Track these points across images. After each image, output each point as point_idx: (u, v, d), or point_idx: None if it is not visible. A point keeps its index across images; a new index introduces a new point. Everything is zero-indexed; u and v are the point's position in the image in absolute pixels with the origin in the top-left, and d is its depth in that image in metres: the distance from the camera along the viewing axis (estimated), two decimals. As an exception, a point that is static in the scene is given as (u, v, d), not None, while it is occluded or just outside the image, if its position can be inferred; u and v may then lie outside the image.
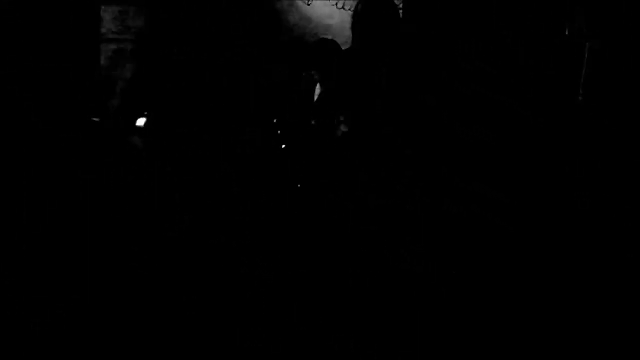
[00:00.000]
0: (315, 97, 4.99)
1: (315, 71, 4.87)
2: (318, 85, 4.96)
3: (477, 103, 4.12)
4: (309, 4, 6.14)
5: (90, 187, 3.72)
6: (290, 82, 5.37)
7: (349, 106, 3.91)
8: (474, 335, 3.54)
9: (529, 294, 3.80)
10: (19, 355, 3.26)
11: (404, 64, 3.86)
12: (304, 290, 3.78)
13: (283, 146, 4.73)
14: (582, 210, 3.99)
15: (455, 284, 3.74)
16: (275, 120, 4.79)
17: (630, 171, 3.95)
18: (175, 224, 3.65)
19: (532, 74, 4.22)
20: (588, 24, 3.91)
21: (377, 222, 3.77)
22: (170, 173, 3.59)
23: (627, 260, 3.84)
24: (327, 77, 4.08)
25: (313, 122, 4.78)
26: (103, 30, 5.29)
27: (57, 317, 3.40)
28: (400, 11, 4.39)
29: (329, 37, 5.20)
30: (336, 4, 6.15)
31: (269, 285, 3.76)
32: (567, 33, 3.99)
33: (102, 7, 5.33)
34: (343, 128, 3.91)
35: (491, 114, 4.15)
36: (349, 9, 6.10)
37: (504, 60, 4.24)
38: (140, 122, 3.67)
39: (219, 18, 3.67)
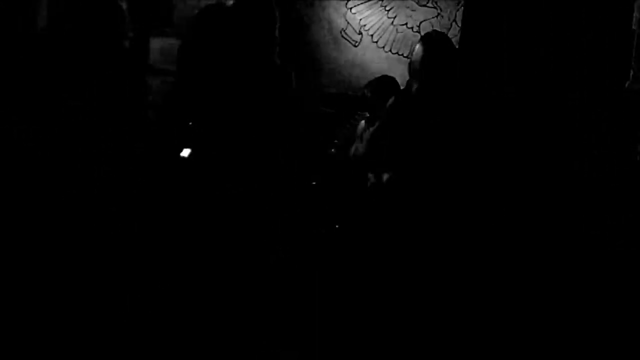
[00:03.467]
0: (359, 136, 4.95)
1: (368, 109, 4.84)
2: (362, 123, 4.92)
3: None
4: (356, 46, 6.13)
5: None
6: (335, 124, 5.32)
7: (401, 150, 3.85)
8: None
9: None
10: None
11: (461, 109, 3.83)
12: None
13: (313, 183, 4.67)
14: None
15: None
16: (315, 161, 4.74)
17: None
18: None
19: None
20: None
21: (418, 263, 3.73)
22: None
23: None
24: (380, 116, 4.03)
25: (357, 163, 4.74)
26: (151, 62, 5.33)
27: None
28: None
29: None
30: (383, 47, 6.13)
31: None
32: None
33: (151, 40, 5.38)
34: (386, 173, 3.85)
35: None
36: (397, 53, 6.10)
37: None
38: (185, 153, 3.66)
39: (264, 58, 3.71)
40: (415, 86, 3.87)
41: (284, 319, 3.70)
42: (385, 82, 4.91)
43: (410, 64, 3.97)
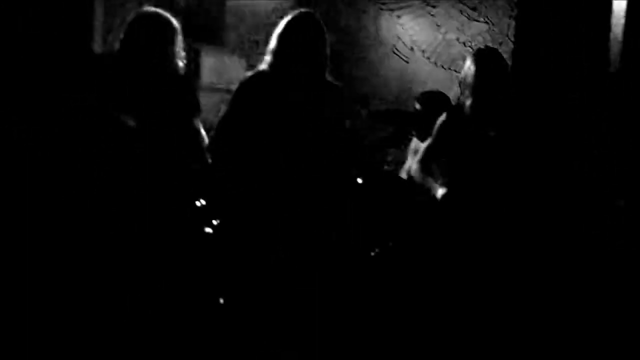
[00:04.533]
0: (412, 153, 4.91)
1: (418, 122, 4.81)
2: (414, 140, 4.89)
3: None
4: (408, 62, 6.11)
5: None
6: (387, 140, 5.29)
7: (455, 166, 3.83)
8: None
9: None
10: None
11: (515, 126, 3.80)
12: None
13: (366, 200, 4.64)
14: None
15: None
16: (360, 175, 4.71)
17: None
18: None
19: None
20: None
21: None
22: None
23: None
24: (431, 133, 4.01)
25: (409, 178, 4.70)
26: (202, 79, 5.38)
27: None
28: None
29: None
30: (435, 62, 6.09)
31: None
32: None
33: (202, 56, 5.42)
34: (440, 190, 3.82)
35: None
36: (449, 68, 6.06)
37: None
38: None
39: (312, 69, 3.76)
40: (467, 102, 3.85)
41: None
42: (435, 97, 4.88)
43: (461, 80, 3.95)
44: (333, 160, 3.71)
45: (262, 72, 3.76)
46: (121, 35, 3.76)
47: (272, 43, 3.75)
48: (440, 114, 4.02)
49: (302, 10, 3.89)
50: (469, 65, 3.88)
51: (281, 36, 3.72)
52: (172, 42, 3.75)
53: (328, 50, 3.73)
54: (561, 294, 3.97)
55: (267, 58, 3.76)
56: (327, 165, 3.69)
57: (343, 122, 3.79)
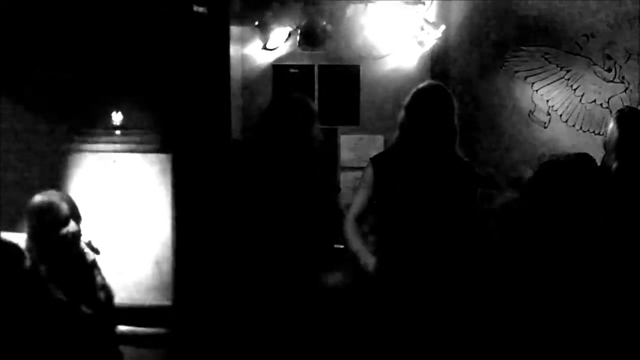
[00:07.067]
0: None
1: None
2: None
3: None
4: (545, 127, 6.08)
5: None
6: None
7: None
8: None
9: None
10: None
11: None
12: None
13: None
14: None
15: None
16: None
17: None
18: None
19: None
20: None
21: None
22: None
23: None
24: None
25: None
26: (341, 160, 5.54)
27: None
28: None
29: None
30: (573, 125, 6.04)
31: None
32: None
33: (340, 137, 5.60)
34: None
35: None
36: (587, 130, 5.99)
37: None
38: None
39: (440, 141, 3.77)
40: (613, 165, 3.83)
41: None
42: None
43: (605, 141, 3.95)
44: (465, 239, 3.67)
45: (390, 149, 3.81)
46: (261, 122, 3.98)
47: (400, 116, 3.78)
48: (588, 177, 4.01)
49: (429, 81, 3.90)
50: (612, 127, 3.89)
51: (408, 108, 3.74)
52: (311, 124, 3.94)
53: (457, 121, 3.74)
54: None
55: (396, 132, 3.80)
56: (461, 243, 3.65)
57: (474, 200, 3.73)
